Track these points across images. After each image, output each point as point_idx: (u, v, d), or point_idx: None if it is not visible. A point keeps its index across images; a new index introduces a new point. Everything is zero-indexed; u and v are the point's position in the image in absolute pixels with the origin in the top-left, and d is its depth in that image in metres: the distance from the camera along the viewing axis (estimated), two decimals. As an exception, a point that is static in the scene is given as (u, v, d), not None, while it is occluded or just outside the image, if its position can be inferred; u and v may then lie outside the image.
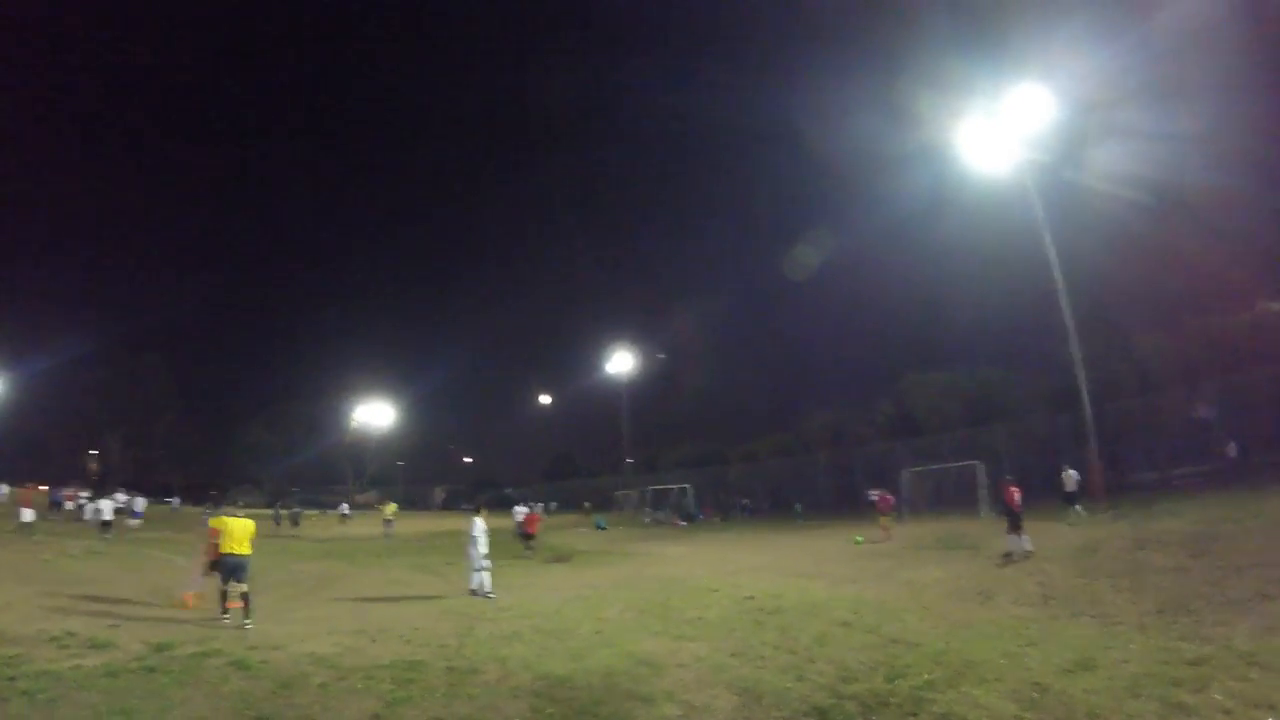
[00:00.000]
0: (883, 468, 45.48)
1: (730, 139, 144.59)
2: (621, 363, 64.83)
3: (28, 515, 28.36)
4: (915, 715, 6.80)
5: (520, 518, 37.13)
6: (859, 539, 24.79)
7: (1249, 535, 14.58)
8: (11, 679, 7.95)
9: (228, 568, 12.64)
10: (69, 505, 41.22)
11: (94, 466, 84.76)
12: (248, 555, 12.83)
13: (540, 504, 40.76)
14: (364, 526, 46.84)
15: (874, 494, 41.60)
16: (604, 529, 43.22)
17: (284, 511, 48.19)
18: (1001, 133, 31.25)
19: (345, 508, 59.05)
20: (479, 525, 16.48)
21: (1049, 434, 39.17)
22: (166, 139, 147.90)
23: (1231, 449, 30.56)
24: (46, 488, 57.46)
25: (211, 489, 74.90)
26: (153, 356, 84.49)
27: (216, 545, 12.83)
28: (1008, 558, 16.82)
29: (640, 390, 70.72)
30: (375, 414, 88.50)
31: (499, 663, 9.28)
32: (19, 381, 73.92)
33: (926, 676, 7.94)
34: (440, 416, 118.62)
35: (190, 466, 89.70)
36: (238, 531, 12.88)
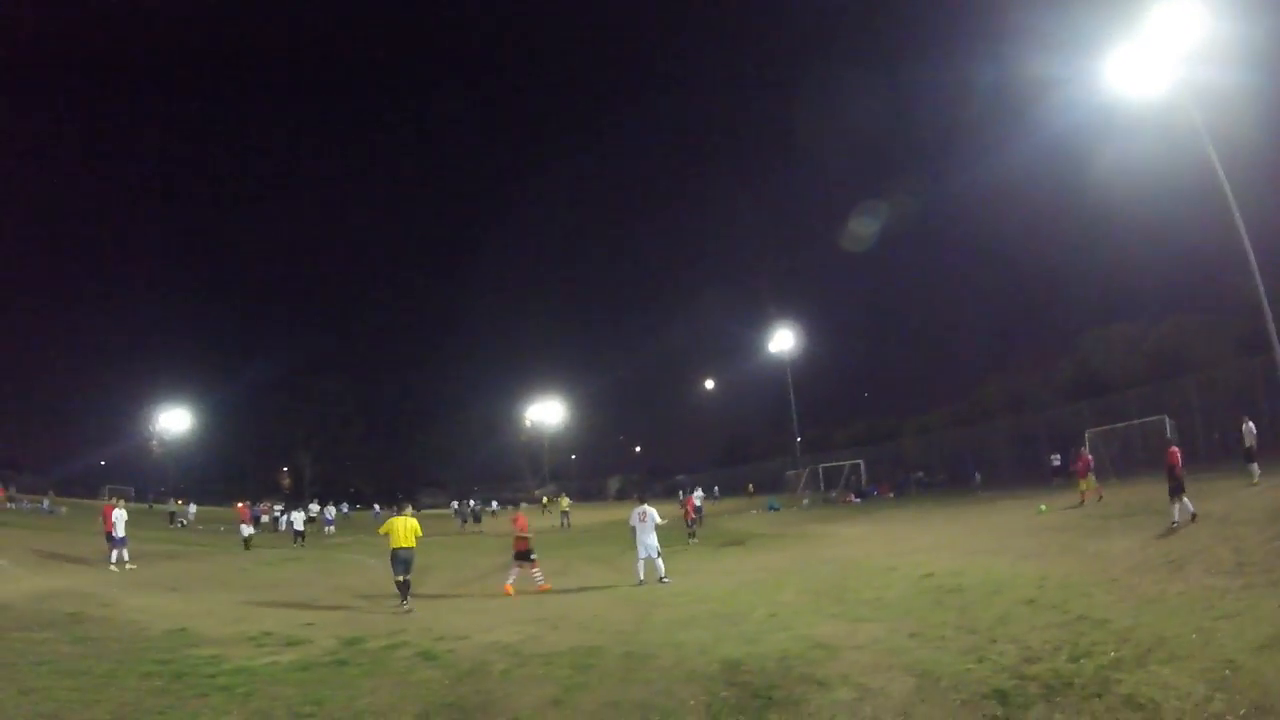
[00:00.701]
0: (1066, 432, 43.36)
1: (867, 78, 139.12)
2: (784, 341, 64.15)
3: (246, 530, 30.69)
4: (1100, 697, 6.56)
5: (698, 502, 37.76)
6: (1043, 508, 23.88)
7: None
8: (211, 676, 8.71)
9: (398, 561, 14.35)
10: (265, 518, 45.05)
11: (287, 481, 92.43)
12: (413, 549, 14.59)
13: (699, 490, 40.96)
14: (543, 519, 48.42)
15: (1055, 458, 40.02)
16: (777, 510, 43.21)
17: (466, 509, 50.73)
18: (1155, 52, 28.77)
19: (495, 504, 62.58)
20: (637, 513, 16.84)
21: (1242, 383, 36.30)
22: (328, 160, 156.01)
23: None
24: (245, 504, 62.95)
25: (399, 493, 79.55)
26: (332, 378, 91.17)
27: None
28: (1174, 527, 15.88)
29: (807, 368, 70.02)
30: (548, 411, 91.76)
31: (674, 648, 9.57)
32: (213, 410, 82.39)
33: (1113, 655, 7.66)
34: (611, 409, 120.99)
35: (377, 474, 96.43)
36: (402, 530, 14.52)
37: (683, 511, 29.41)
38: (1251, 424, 22.86)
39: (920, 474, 54.96)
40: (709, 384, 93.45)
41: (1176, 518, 16.15)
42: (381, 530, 15.34)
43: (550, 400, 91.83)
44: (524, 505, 59.76)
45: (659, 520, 16.72)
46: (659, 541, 16.75)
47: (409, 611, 13.67)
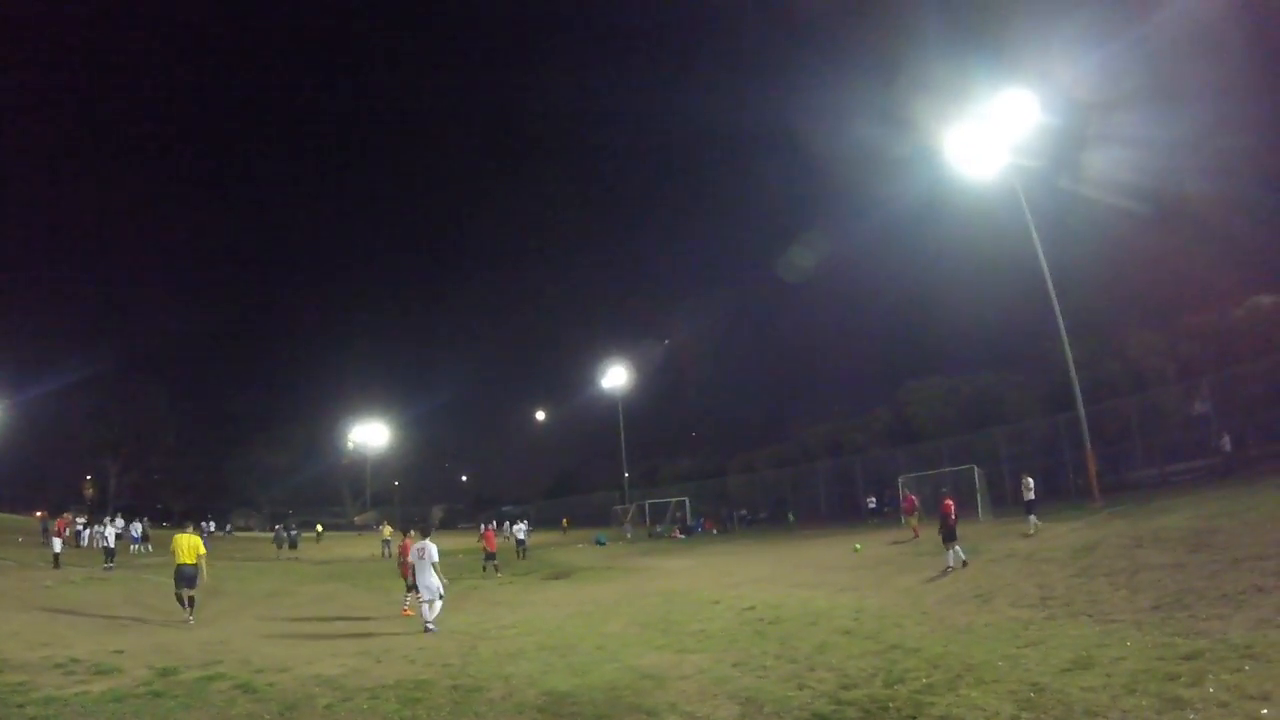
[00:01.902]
0: (882, 475, 45.65)
1: (723, 146, 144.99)
2: (617, 377, 65.10)
3: (58, 544, 28.11)
4: (915, 718, 6.87)
5: (521, 534, 37.24)
6: (858, 546, 24.84)
7: (1245, 529, 14.65)
8: (20, 705, 8.01)
9: (181, 577, 15.08)
10: (66, 531, 41.12)
11: (91, 492, 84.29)
12: (195, 565, 15.18)
13: (522, 522, 40.58)
14: (363, 547, 46.85)
15: (871, 500, 42.00)
16: (604, 544, 43.23)
17: (285, 534, 48.20)
18: (990, 137, 31.60)
19: (319, 527, 60.42)
20: (415, 549, 14.83)
21: (1047, 435, 39.45)
22: (159, 156, 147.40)
23: (1226, 443, 30.64)
24: (42, 514, 57.18)
25: (207, 512, 74.65)
26: (148, 380, 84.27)
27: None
28: (947, 570, 17.02)
29: (638, 404, 71.10)
30: (372, 434, 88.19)
31: (503, 680, 9.36)
32: (14, 407, 73.55)
33: (925, 680, 8.01)
34: (437, 435, 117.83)
35: (189, 490, 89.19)
36: (186, 546, 15.22)
37: (481, 544, 28.93)
38: (1030, 479, 24.43)
39: (744, 511, 56.56)
40: (540, 415, 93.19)
41: (950, 563, 17.30)
42: (172, 548, 15.51)
43: (375, 422, 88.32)
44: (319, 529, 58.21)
45: (435, 559, 14.26)
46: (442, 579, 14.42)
47: (189, 624, 14.50)
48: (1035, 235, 30.99)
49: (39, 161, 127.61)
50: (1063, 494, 35.18)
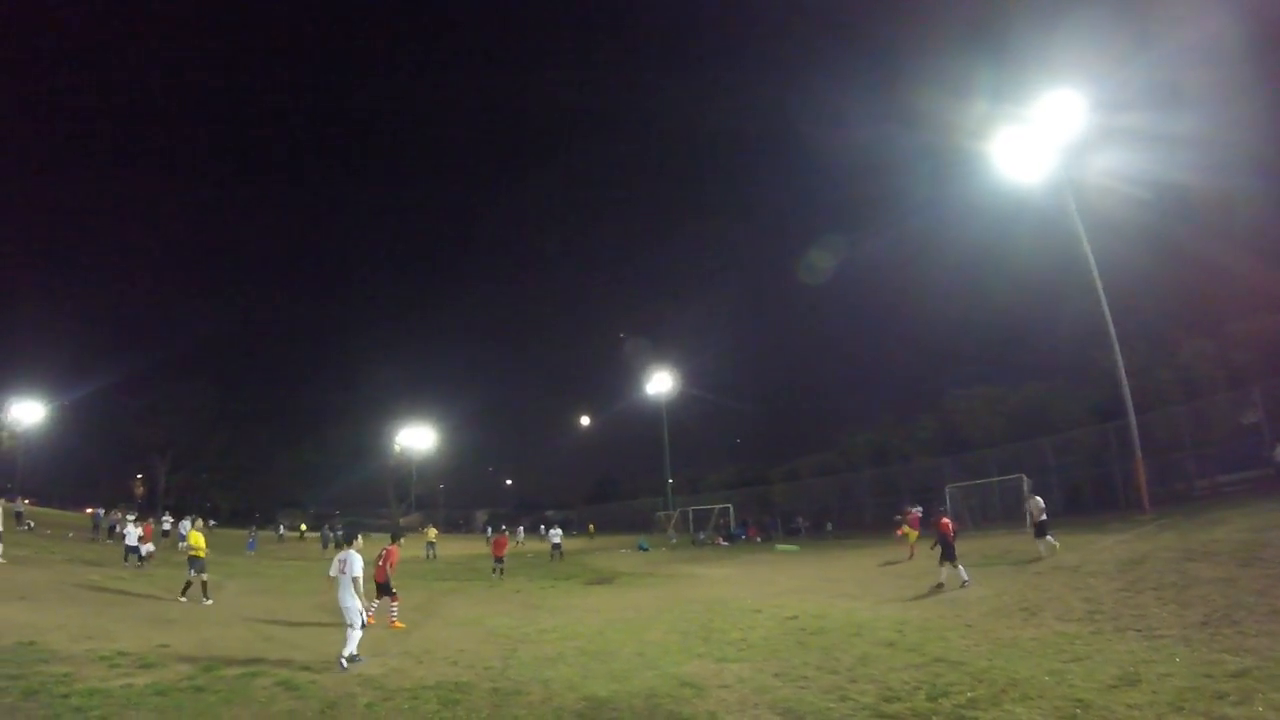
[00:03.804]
0: (927, 485, 45.08)
1: (767, 149, 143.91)
2: (661, 383, 64.91)
3: (148, 548, 27.43)
4: None
5: (556, 539, 37.43)
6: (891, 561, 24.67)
7: (1299, 543, 14.38)
8: (64, 696, 8.28)
9: (194, 564, 18.39)
10: (117, 528, 41.71)
11: (140, 490, 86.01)
12: (203, 554, 18.59)
13: (556, 528, 40.70)
14: (406, 550, 47.14)
15: (918, 509, 41.44)
16: (646, 550, 43.19)
17: (332, 534, 48.80)
18: (1038, 138, 31.13)
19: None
20: (337, 561, 11.66)
21: (1096, 445, 38.69)
22: (209, 156, 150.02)
23: (1278, 453, 29.84)
24: (92, 510, 58.58)
25: (256, 512, 76.07)
26: (199, 380, 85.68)
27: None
28: (938, 587, 16.93)
29: (682, 411, 70.78)
30: (418, 437, 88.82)
31: (542, 684, 9.46)
32: (65, 407, 75.21)
33: (969, 695, 7.95)
34: (483, 439, 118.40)
35: (237, 489, 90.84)
36: (198, 540, 18.76)
37: (490, 549, 29.53)
38: (1039, 499, 22.80)
39: (800, 519, 55.90)
40: (584, 421, 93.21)
41: (943, 579, 17.18)
42: (191, 542, 18.97)
43: (421, 426, 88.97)
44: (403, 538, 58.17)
45: (357, 573, 11.31)
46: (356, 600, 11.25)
47: (208, 602, 17.74)
48: (1085, 240, 30.50)
49: (89, 164, 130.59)
50: (1111, 505, 34.56)
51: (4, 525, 24.54)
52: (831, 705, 8.01)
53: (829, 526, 49.62)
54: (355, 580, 11.13)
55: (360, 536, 13.34)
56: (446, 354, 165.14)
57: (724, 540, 48.85)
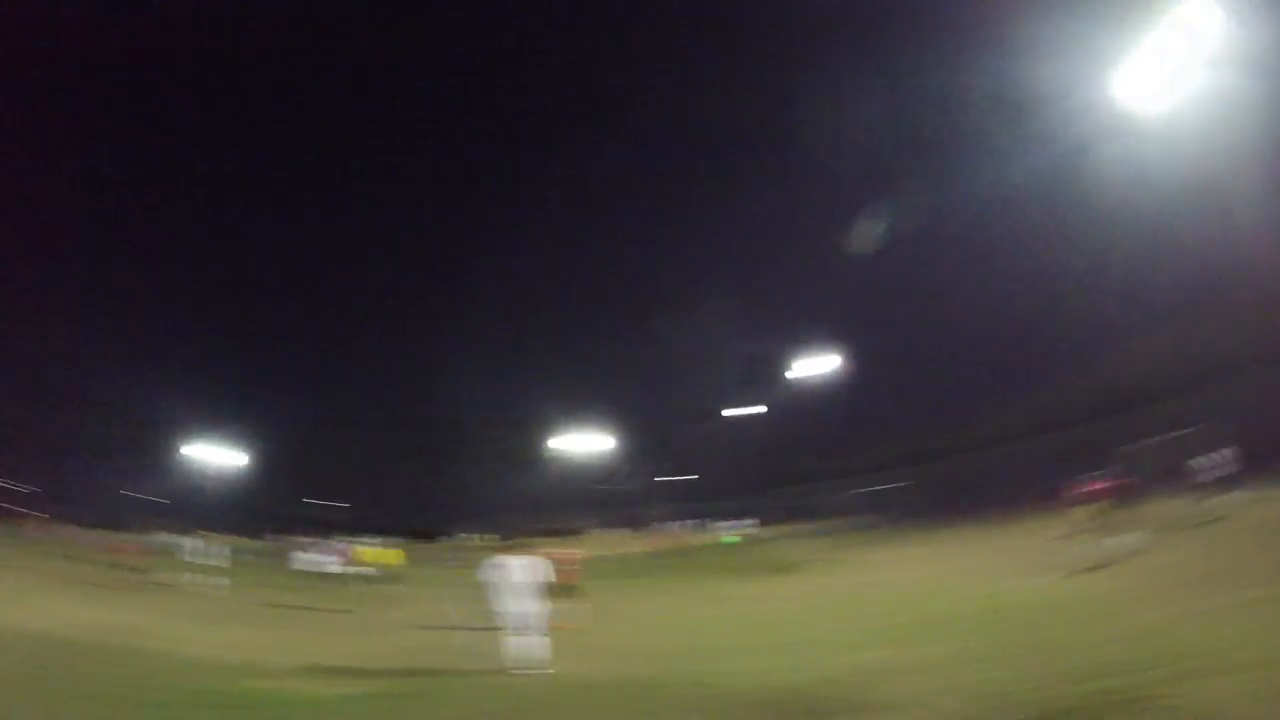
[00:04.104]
0: (1094, 446, 42.69)
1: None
2: (818, 364, 62.73)
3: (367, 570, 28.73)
4: (1153, 713, 6.47)
5: (740, 531, 36.89)
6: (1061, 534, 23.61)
7: None
8: (279, 708, 8.94)
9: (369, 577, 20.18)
10: (312, 553, 45.06)
11: (331, 517, 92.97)
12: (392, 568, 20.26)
13: (734, 521, 40.00)
14: (591, 547, 47.89)
15: (1087, 478, 39.33)
16: (824, 536, 42.67)
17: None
18: (1164, 61, 28.24)
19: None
20: (493, 566, 11.48)
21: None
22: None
23: None
24: (283, 537, 64.34)
25: (444, 528, 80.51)
26: (376, 414, 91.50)
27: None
28: (1120, 556, 15.74)
29: (842, 388, 68.16)
30: (583, 441, 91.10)
31: (729, 677, 9.53)
32: (261, 449, 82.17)
33: (1167, 670, 7.55)
34: (643, 440, 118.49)
35: (427, 508, 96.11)
36: (371, 557, 20.10)
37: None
38: (1222, 452, 21.88)
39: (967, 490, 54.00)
40: (751, 410, 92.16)
41: (1123, 546, 16.07)
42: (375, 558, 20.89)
43: (583, 431, 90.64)
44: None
45: (517, 579, 11.09)
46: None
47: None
48: (1222, 163, 27.88)
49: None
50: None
51: (204, 558, 27.14)
52: (1022, 686, 7.73)
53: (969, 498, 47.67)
54: (517, 585, 11.00)
55: (520, 540, 13.84)
56: (617, 357, 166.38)
57: (903, 521, 47.49)
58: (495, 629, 10.93)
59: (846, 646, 10.94)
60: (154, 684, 10.16)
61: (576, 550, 17.13)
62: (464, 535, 70.24)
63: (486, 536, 73.65)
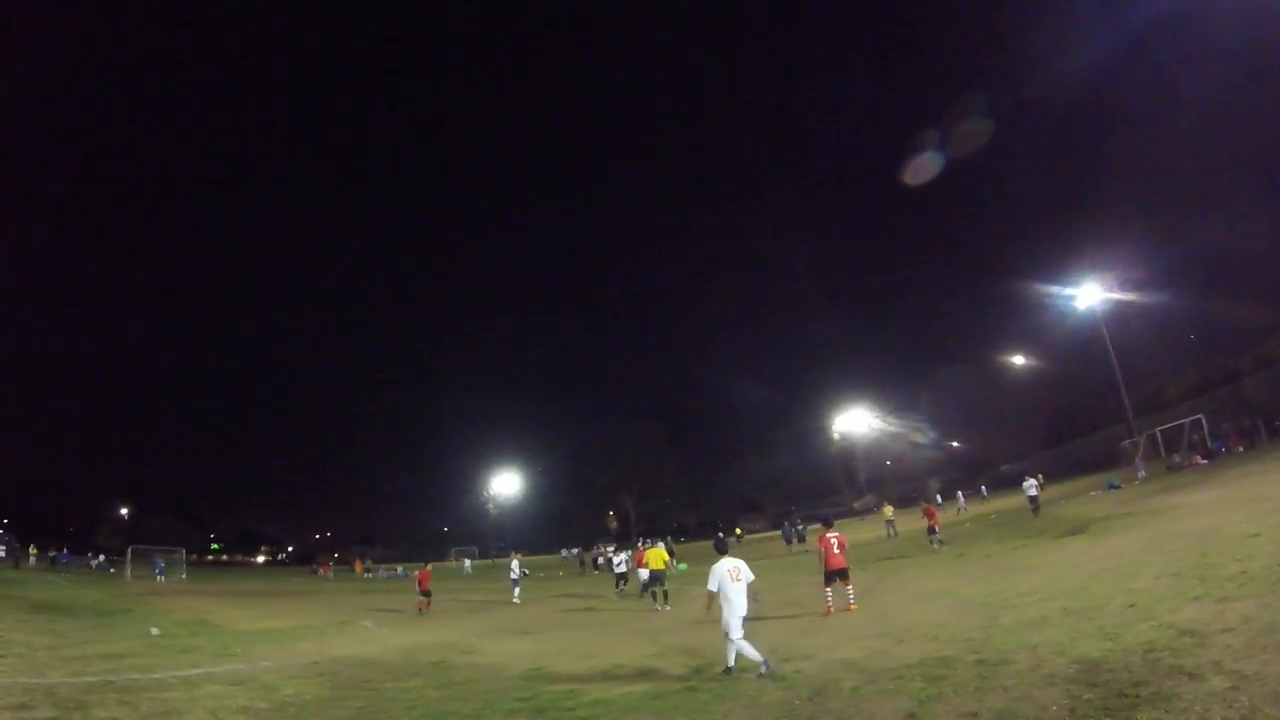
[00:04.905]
0: None
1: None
2: (1092, 295, 55.78)
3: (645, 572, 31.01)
4: None
5: (1032, 492, 35.40)
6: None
7: None
8: (571, 709, 9.69)
9: (650, 578, 23.16)
10: (600, 560, 48.45)
11: (614, 525, 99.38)
12: (660, 570, 22.95)
13: (1030, 479, 37.64)
14: (866, 531, 47.53)
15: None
16: (1117, 488, 39.90)
17: (792, 529, 50.99)
18: None
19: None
20: (728, 569, 11.09)
21: None
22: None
23: None
24: (578, 549, 70.13)
25: (719, 522, 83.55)
26: (646, 425, 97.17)
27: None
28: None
29: (1118, 321, 62.74)
30: (856, 422, 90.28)
31: (1029, 651, 9.37)
32: (538, 471, 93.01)
33: None
34: (918, 409, 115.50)
35: (697, 505, 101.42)
36: (652, 557, 23.24)
37: (926, 521, 30.14)
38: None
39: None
40: (1017, 360, 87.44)
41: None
42: (645, 560, 23.75)
43: (856, 410, 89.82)
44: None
45: (751, 577, 11.15)
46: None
47: (666, 608, 21.26)
48: None
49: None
50: None
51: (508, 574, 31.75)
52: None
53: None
54: (733, 588, 10.82)
55: (734, 539, 14.49)
56: (877, 334, 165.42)
57: (1202, 459, 43.44)
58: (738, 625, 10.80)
59: (1155, 608, 10.33)
60: (468, 693, 11.49)
61: (834, 533, 16.78)
62: (739, 528, 72.82)
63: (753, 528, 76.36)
